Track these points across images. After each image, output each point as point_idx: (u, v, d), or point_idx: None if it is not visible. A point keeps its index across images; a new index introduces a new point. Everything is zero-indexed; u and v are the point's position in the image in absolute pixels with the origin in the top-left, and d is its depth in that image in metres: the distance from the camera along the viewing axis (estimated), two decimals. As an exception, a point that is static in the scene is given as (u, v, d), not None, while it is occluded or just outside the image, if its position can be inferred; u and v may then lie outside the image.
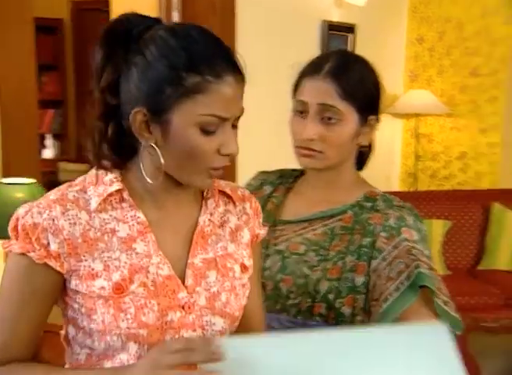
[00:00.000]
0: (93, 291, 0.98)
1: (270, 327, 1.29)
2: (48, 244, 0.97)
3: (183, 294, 1.02)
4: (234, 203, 1.14)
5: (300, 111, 1.32)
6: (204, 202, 1.11)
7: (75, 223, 0.98)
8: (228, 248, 1.10)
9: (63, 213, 0.98)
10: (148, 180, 1.00)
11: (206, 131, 0.96)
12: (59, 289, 1.01)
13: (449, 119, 4.40)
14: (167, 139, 0.97)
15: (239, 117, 1.01)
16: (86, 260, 0.99)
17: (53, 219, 0.97)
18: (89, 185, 1.03)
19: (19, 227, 0.98)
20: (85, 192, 1.02)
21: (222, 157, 0.99)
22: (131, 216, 1.02)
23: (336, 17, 3.60)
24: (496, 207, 3.76)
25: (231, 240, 1.11)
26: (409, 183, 4.51)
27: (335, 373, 0.92)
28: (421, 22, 4.44)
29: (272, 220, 1.38)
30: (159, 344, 0.94)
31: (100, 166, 1.03)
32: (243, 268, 1.11)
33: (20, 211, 0.99)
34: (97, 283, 0.98)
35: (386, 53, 4.28)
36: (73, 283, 0.99)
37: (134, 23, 0.98)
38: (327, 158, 1.31)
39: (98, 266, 0.99)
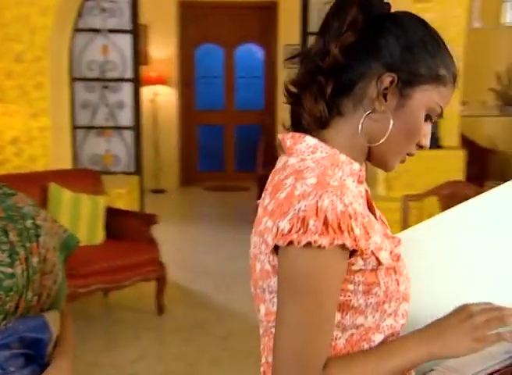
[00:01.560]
0: (385, 263, 0.99)
1: None
2: (352, 229, 0.94)
3: (397, 251, 1.07)
4: None
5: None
6: None
7: (359, 204, 0.99)
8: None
9: (353, 197, 0.97)
10: (367, 143, 1.04)
11: (426, 118, 1.04)
12: None
13: (-1, 104, 4.45)
14: (398, 111, 1.02)
15: None
16: (372, 236, 0.98)
17: (351, 204, 0.95)
18: (334, 167, 1.02)
19: (330, 218, 0.92)
20: (335, 174, 1.01)
21: (417, 148, 1.07)
22: (359, 191, 1.04)
23: None
24: (53, 187, 4.01)
25: None
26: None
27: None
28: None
29: None
30: (461, 307, 1.01)
31: (303, 129, 1.05)
32: None
33: (324, 203, 0.93)
34: (383, 255, 0.99)
35: None
36: (361, 263, 0.97)
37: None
38: None
39: (378, 240, 1.00)
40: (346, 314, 1.00)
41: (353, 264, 0.96)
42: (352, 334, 1.02)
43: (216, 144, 8.49)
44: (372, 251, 0.97)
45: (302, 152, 1.03)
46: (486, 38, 5.38)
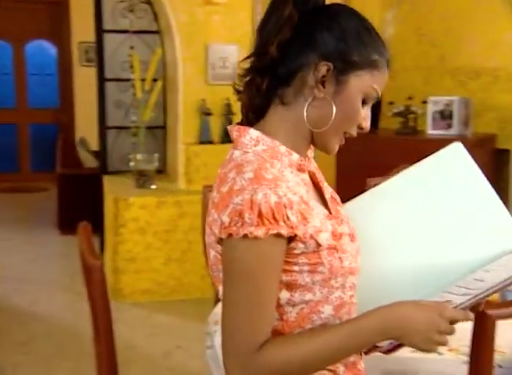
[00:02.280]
0: (324, 244, 1.08)
1: None
2: (288, 218, 1.03)
3: (346, 229, 1.16)
4: None
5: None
6: None
7: (295, 194, 1.06)
8: (328, 186, 1.25)
9: (287, 188, 1.06)
10: (313, 129, 1.12)
11: (365, 102, 1.12)
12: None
13: None
14: (336, 97, 1.10)
15: None
16: (310, 222, 1.07)
17: (285, 195, 1.04)
18: (272, 160, 1.10)
19: (264, 211, 1.02)
20: (274, 166, 1.08)
21: (357, 130, 1.14)
22: (301, 179, 1.13)
23: None
24: None
25: (324, 179, 1.26)
26: None
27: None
28: None
29: None
30: (436, 308, 1.06)
31: (247, 120, 1.14)
32: None
33: (258, 196, 1.02)
34: (323, 236, 1.08)
35: None
36: (301, 247, 1.07)
37: None
38: None
39: (317, 223, 1.08)
40: (295, 292, 1.09)
41: (294, 248, 1.06)
42: (302, 308, 1.10)
43: (9, 144, 8.09)
44: (311, 235, 1.06)
45: (245, 145, 1.11)
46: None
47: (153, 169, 4.41)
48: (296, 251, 1.07)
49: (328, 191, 1.22)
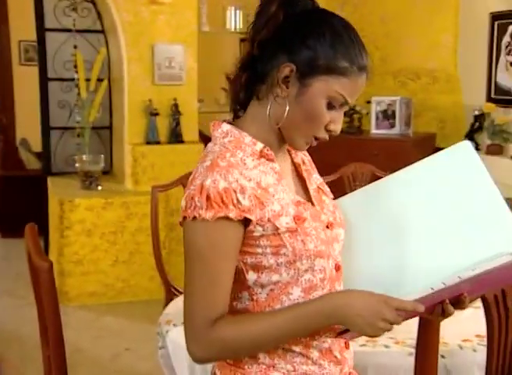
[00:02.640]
0: (283, 228, 1.14)
1: None
2: (239, 201, 1.10)
3: (323, 217, 1.23)
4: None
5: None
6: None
7: (250, 180, 1.13)
8: (318, 177, 1.31)
9: (240, 174, 1.12)
10: (274, 125, 1.18)
11: (330, 106, 1.15)
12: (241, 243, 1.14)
13: None
14: (299, 98, 1.14)
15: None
16: (267, 206, 1.13)
17: (237, 180, 1.11)
18: (235, 150, 1.17)
19: (212, 195, 1.10)
20: (236, 156, 1.16)
21: (326, 131, 1.18)
22: (270, 168, 1.19)
23: None
24: None
25: (314, 172, 1.33)
26: None
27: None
28: None
29: None
30: (381, 296, 1.10)
31: (235, 114, 1.23)
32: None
33: (207, 182, 1.11)
34: (283, 220, 1.14)
35: None
36: (260, 230, 1.13)
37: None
38: None
39: (277, 207, 1.14)
40: (262, 273, 1.15)
41: (253, 231, 1.12)
42: (272, 289, 1.16)
43: None
44: (269, 218, 1.12)
45: (216, 138, 1.19)
46: (215, 41, 5.84)
47: (99, 170, 4.36)
48: (255, 234, 1.13)
49: (315, 182, 1.29)
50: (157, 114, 4.34)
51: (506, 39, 3.97)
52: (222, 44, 6.12)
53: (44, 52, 4.67)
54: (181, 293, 2.76)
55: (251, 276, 1.16)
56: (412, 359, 1.84)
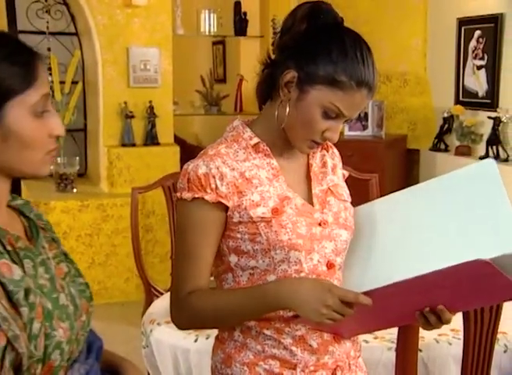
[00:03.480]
0: (256, 217, 1.23)
1: None
2: (217, 187, 1.22)
3: (317, 215, 1.29)
4: (326, 149, 1.40)
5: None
6: None
7: (233, 169, 1.24)
8: (334, 180, 1.37)
9: (223, 163, 1.24)
10: (278, 125, 1.26)
11: (326, 116, 1.22)
12: (223, 225, 1.25)
13: None
14: (297, 103, 1.23)
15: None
16: (246, 195, 1.24)
17: (218, 167, 1.23)
18: (232, 142, 1.29)
19: (192, 178, 1.23)
20: (230, 147, 1.28)
21: (323, 137, 1.25)
22: (267, 163, 1.28)
23: None
24: None
25: (333, 174, 1.38)
26: None
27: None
28: None
29: None
30: (327, 285, 1.18)
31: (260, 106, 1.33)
32: (348, 194, 1.39)
33: (190, 166, 1.24)
34: (259, 210, 1.23)
35: None
36: (237, 216, 1.23)
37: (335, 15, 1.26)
38: None
39: (257, 197, 1.24)
40: (242, 257, 1.26)
41: (232, 217, 1.24)
42: (252, 274, 1.27)
43: None
44: (246, 207, 1.23)
45: (225, 132, 1.33)
46: (189, 44, 5.88)
47: (74, 172, 4.36)
48: (234, 220, 1.25)
49: (327, 184, 1.35)
50: (132, 116, 4.36)
51: (472, 43, 4.08)
52: (196, 47, 6.16)
53: (17, 55, 4.64)
54: (161, 294, 2.80)
55: (233, 259, 1.27)
56: (391, 354, 1.92)
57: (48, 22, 4.63)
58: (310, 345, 1.28)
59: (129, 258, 3.07)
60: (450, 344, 2.02)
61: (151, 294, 2.88)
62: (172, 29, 4.57)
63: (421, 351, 1.94)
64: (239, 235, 1.25)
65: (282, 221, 1.24)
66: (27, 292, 0.90)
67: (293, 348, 1.27)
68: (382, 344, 2.00)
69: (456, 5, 4.20)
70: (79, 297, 1.04)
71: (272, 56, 1.30)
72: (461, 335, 1.86)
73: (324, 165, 1.38)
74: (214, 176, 1.22)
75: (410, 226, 1.32)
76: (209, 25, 5.09)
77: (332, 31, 1.24)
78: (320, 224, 1.29)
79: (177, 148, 4.56)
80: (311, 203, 1.31)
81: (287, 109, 1.24)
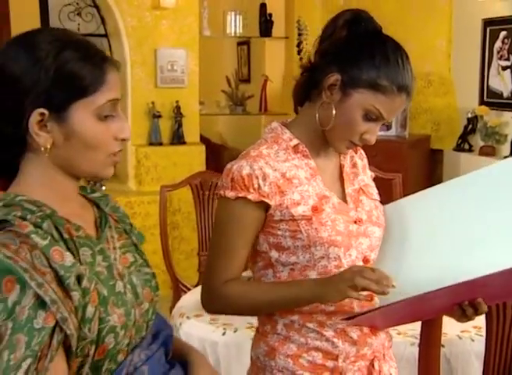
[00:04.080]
0: (298, 215, 1.28)
1: None
2: (260, 187, 1.28)
3: (352, 213, 1.35)
4: (355, 150, 1.45)
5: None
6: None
7: (275, 170, 1.29)
8: (364, 180, 1.43)
9: (266, 164, 1.29)
10: (319, 126, 1.31)
11: (367, 118, 1.26)
12: (262, 224, 1.31)
13: None
14: (340, 105, 1.27)
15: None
16: (287, 195, 1.29)
17: (261, 168, 1.28)
18: (273, 143, 1.34)
19: (235, 178, 1.28)
20: (271, 148, 1.33)
21: (362, 139, 1.30)
22: (305, 164, 1.33)
23: None
24: None
25: (363, 174, 1.44)
26: None
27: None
28: None
29: None
30: (356, 267, 1.24)
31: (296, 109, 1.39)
32: (377, 193, 1.45)
33: (234, 166, 1.30)
34: (300, 209, 1.28)
35: None
36: (278, 214, 1.29)
37: (374, 23, 1.33)
38: None
39: (297, 197, 1.30)
40: (282, 253, 1.31)
41: (273, 215, 1.29)
42: (292, 269, 1.32)
43: None
44: (287, 206, 1.28)
45: (264, 133, 1.39)
46: (215, 45, 5.96)
47: (103, 170, 4.44)
48: (275, 218, 1.30)
49: (358, 183, 1.41)
50: (159, 116, 4.44)
51: (497, 44, 4.09)
52: (221, 48, 6.23)
53: (49, 56, 4.74)
54: (189, 289, 2.88)
55: (273, 255, 1.32)
56: (414, 349, 1.96)
57: (79, 24, 4.74)
58: (350, 337, 1.33)
59: (156, 255, 3.14)
60: (473, 340, 2.05)
61: (178, 290, 2.96)
62: (198, 30, 4.64)
63: (443, 346, 1.97)
64: (280, 232, 1.30)
65: (321, 219, 1.29)
66: (80, 278, 0.94)
67: (335, 340, 1.32)
68: (405, 339, 2.04)
69: (481, 6, 4.20)
70: (142, 286, 1.08)
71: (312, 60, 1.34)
72: (483, 332, 1.89)
73: (354, 165, 1.43)
74: (257, 177, 1.27)
75: (448, 221, 1.34)
76: (235, 26, 5.16)
77: (373, 38, 1.29)
78: (355, 222, 1.34)
79: (203, 147, 4.63)
80: (345, 202, 1.36)
81: (333, 111, 1.28)
